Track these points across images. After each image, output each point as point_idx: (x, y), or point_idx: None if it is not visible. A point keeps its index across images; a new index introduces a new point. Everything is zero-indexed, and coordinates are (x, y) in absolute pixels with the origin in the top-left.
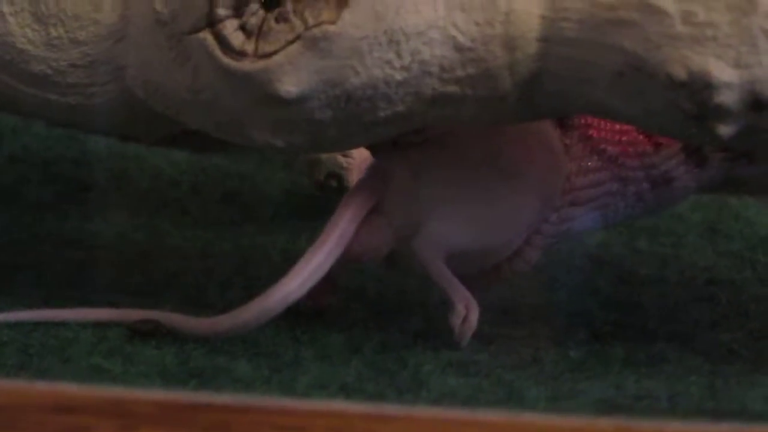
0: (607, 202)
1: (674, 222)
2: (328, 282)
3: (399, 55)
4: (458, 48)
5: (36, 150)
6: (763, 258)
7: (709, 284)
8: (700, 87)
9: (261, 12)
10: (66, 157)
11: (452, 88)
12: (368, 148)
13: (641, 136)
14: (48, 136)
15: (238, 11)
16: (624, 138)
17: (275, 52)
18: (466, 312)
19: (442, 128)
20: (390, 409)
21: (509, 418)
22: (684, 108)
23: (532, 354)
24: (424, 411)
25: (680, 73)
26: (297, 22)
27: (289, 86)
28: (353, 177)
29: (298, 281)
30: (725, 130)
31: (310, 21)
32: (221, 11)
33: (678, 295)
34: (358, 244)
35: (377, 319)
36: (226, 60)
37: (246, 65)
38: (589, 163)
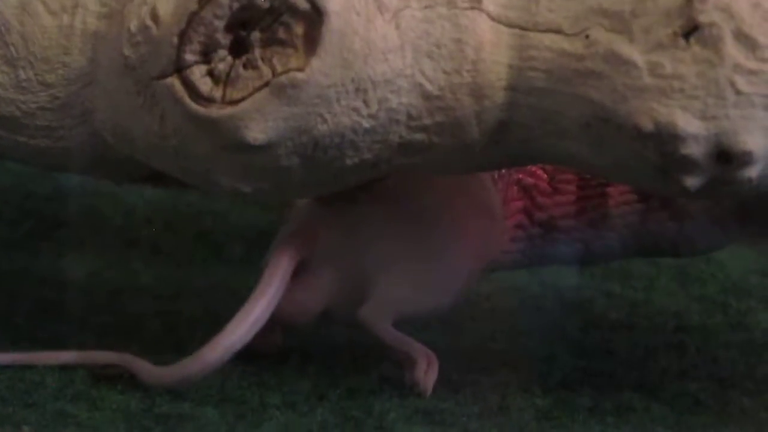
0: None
1: (647, 266)
2: (270, 327)
3: (366, 103)
4: (426, 96)
5: (9, 186)
6: (734, 303)
7: (679, 330)
8: (666, 139)
9: (229, 58)
10: (39, 194)
11: (420, 136)
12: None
13: (546, 177)
14: (21, 173)
15: (206, 57)
16: (534, 177)
17: (243, 99)
18: (427, 364)
19: (377, 186)
20: None
21: None
22: (651, 160)
23: (498, 402)
24: None
25: (647, 125)
26: (265, 69)
27: (257, 133)
28: None
29: (239, 333)
30: (692, 182)
31: (279, 68)
32: (189, 57)
33: (647, 342)
34: (291, 306)
35: (344, 366)
36: (194, 106)
37: (213, 111)
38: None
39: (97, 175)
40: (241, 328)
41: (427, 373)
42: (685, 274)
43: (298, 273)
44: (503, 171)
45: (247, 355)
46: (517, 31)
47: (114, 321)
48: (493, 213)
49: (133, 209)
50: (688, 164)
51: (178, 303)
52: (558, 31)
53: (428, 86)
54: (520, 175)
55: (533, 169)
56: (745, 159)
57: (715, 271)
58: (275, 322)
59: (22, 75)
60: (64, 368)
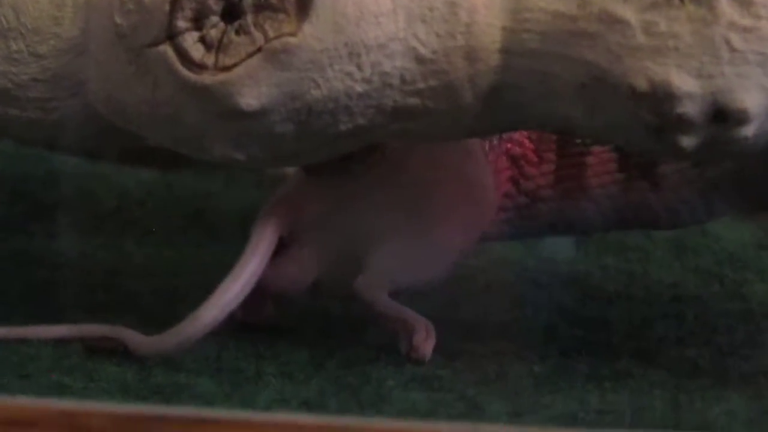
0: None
1: (642, 238)
2: (260, 299)
3: (360, 68)
4: (419, 60)
5: (2, 168)
6: (731, 273)
7: (676, 300)
8: (661, 98)
9: (221, 24)
10: (33, 176)
11: (413, 101)
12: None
13: (533, 145)
14: (15, 155)
15: (198, 24)
16: (522, 146)
17: (235, 65)
18: (425, 332)
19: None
20: (351, 421)
21: (471, 430)
22: (646, 120)
23: (495, 370)
24: (384, 423)
25: (642, 84)
26: (257, 35)
27: (250, 99)
28: None
29: (225, 300)
30: (687, 142)
31: (271, 33)
32: (181, 23)
33: (644, 312)
34: (279, 278)
35: (341, 336)
36: (186, 73)
37: (206, 78)
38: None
39: (88, 150)
40: (227, 295)
41: (425, 340)
42: (681, 246)
43: (287, 244)
44: (494, 141)
45: (241, 328)
46: None
47: (108, 299)
48: (485, 184)
49: (127, 191)
50: (683, 123)
51: (172, 281)
52: None
53: (421, 50)
54: (509, 145)
55: (520, 138)
56: (741, 117)
57: (711, 243)
58: (265, 294)
59: (14, 46)
60: (58, 342)
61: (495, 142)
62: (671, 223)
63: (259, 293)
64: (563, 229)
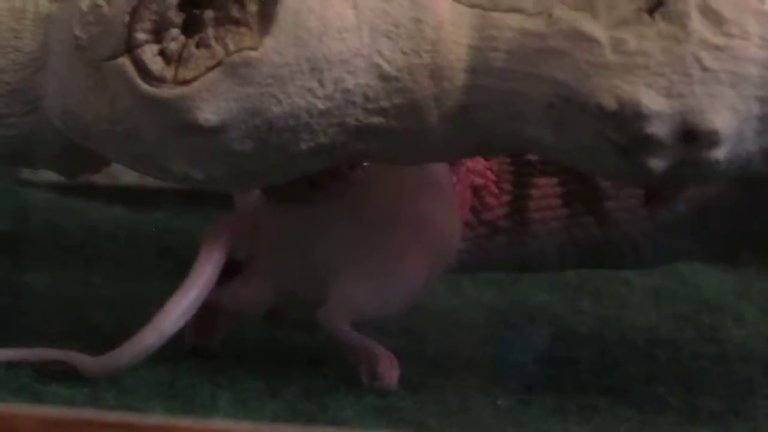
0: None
1: (621, 285)
2: (211, 323)
3: (321, 84)
4: (383, 77)
5: None
6: (708, 319)
7: (650, 343)
8: (630, 117)
9: (181, 37)
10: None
11: (377, 120)
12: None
13: (494, 176)
14: None
15: (158, 36)
16: (484, 177)
17: (195, 79)
18: (389, 363)
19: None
20: (277, 428)
21: None
22: (614, 140)
23: (459, 403)
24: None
25: (609, 103)
26: (218, 49)
27: (208, 114)
28: None
29: (170, 319)
30: (656, 163)
31: (232, 47)
32: (140, 36)
33: (616, 353)
34: (235, 301)
35: (299, 366)
36: (144, 86)
37: (164, 92)
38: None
39: (49, 167)
40: (173, 314)
41: (390, 369)
42: (659, 293)
43: (243, 266)
44: (459, 171)
45: (193, 352)
46: (478, 11)
47: (69, 328)
48: (450, 215)
49: (96, 226)
50: (652, 144)
51: (138, 313)
52: (520, 11)
53: (386, 67)
54: (472, 176)
55: (483, 169)
56: (711, 138)
57: (690, 291)
58: (216, 317)
59: None
60: (9, 365)
61: (460, 172)
62: (618, 263)
63: (209, 316)
64: (519, 262)
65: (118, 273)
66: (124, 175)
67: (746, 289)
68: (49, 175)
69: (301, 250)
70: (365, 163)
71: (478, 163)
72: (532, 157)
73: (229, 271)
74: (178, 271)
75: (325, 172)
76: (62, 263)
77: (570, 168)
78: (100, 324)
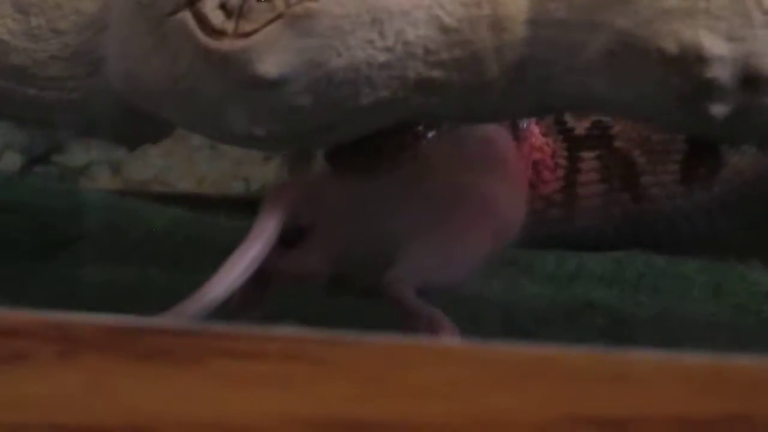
0: None
1: (679, 280)
2: (259, 291)
3: (382, 35)
4: (444, 29)
5: (28, 201)
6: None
7: (710, 327)
8: (692, 61)
9: None
10: (58, 209)
11: (437, 73)
12: (330, 158)
13: (550, 150)
14: (42, 188)
15: None
16: (541, 152)
17: (255, 31)
18: (452, 333)
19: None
20: (345, 335)
21: (472, 347)
22: (676, 86)
23: None
24: (379, 337)
25: (671, 47)
26: (279, 1)
27: (269, 67)
28: None
29: (222, 286)
30: (718, 109)
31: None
32: None
33: (678, 335)
34: (297, 270)
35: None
36: (205, 39)
37: (225, 45)
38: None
39: (109, 133)
40: (225, 281)
41: (452, 338)
42: (718, 287)
43: (305, 232)
44: (524, 148)
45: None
46: None
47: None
48: (517, 191)
49: (153, 226)
50: (714, 89)
51: None
52: None
53: (446, 18)
54: (533, 151)
55: (541, 144)
56: None
57: (749, 287)
58: (265, 288)
59: (33, 22)
60: None
61: (524, 148)
62: (655, 242)
63: (259, 284)
64: (567, 238)
65: (176, 269)
66: (180, 182)
67: None
68: (107, 181)
69: (366, 219)
70: (430, 135)
71: (536, 138)
72: (581, 131)
73: (292, 238)
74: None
75: (391, 143)
76: (119, 260)
77: (608, 141)
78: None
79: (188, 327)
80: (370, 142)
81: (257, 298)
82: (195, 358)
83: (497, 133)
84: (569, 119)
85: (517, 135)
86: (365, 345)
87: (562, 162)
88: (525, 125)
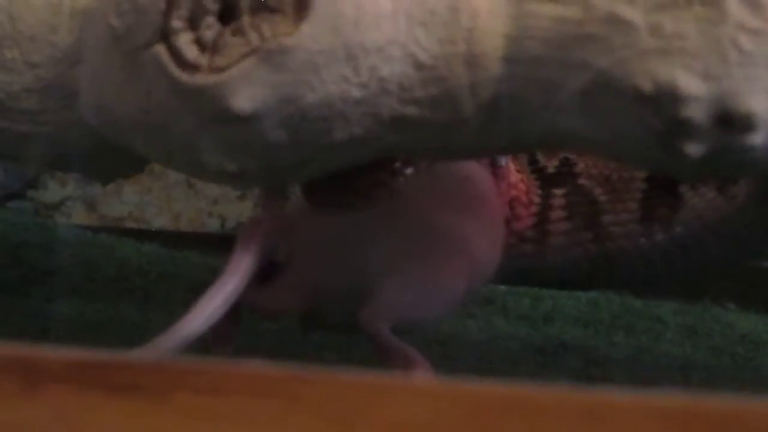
0: None
1: (653, 322)
2: (231, 329)
3: (357, 71)
4: (418, 66)
5: (2, 234)
6: (743, 351)
7: (685, 368)
8: (667, 100)
9: (217, 25)
10: (32, 243)
11: (411, 110)
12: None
13: (524, 187)
14: (15, 222)
15: (193, 24)
16: (516, 189)
17: (229, 66)
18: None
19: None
20: (315, 371)
21: (442, 385)
22: (651, 125)
23: None
24: (349, 374)
25: (647, 86)
26: (253, 36)
27: (243, 102)
28: None
29: (196, 322)
30: (694, 149)
31: (267, 34)
32: (176, 23)
33: (652, 376)
34: (272, 304)
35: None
36: (179, 73)
37: (199, 79)
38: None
39: (81, 167)
40: (201, 317)
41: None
42: (692, 329)
43: (281, 267)
44: (503, 186)
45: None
46: (513, 1)
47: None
48: (494, 228)
49: (127, 260)
50: (689, 128)
51: None
52: (556, 0)
53: (421, 55)
54: (511, 189)
55: (516, 180)
56: (748, 121)
57: (723, 328)
58: (236, 323)
59: (8, 55)
60: None
61: (502, 186)
62: (610, 281)
63: (232, 319)
64: (535, 275)
65: (149, 305)
66: (156, 219)
67: None
68: (82, 217)
69: (341, 255)
70: (407, 170)
71: (513, 175)
72: (551, 169)
73: (267, 273)
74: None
75: (367, 179)
76: (93, 295)
77: (573, 179)
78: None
79: (156, 362)
80: (347, 178)
81: (230, 333)
82: (162, 393)
83: (476, 170)
84: (540, 157)
85: (496, 173)
86: (335, 382)
87: (536, 199)
88: (503, 162)
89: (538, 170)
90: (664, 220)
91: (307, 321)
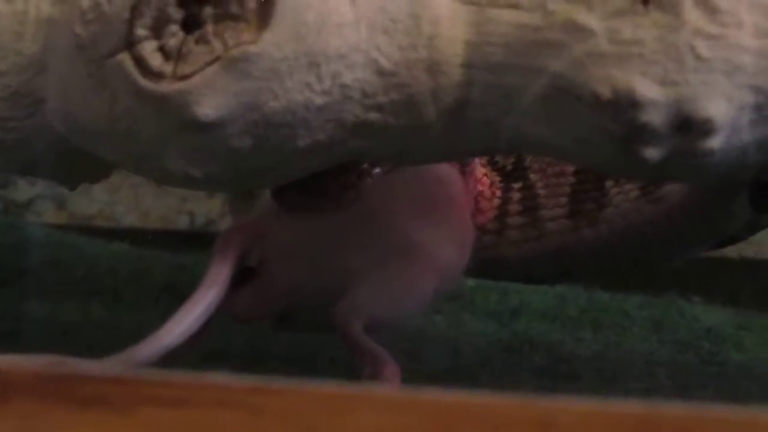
0: None
1: (619, 316)
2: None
3: (319, 79)
4: (380, 72)
5: None
6: (707, 345)
7: (650, 364)
8: (625, 105)
9: (181, 34)
10: (2, 243)
11: (374, 116)
12: (276, 197)
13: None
14: None
15: (157, 33)
16: (481, 183)
17: (193, 74)
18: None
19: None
20: (279, 382)
21: (405, 395)
22: (610, 130)
23: None
24: (313, 385)
25: (605, 92)
26: (217, 44)
27: (207, 109)
28: None
29: (175, 333)
30: (652, 153)
31: (230, 42)
32: (140, 32)
33: (616, 371)
34: (247, 309)
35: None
36: (143, 81)
37: (163, 87)
38: None
39: (49, 175)
40: (179, 328)
41: (393, 375)
42: (657, 324)
43: (256, 271)
44: (470, 183)
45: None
46: (474, 7)
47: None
48: (463, 227)
49: (97, 260)
50: (647, 133)
51: (136, 339)
52: (516, 6)
53: (383, 62)
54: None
55: (480, 174)
56: (706, 126)
57: (689, 322)
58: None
59: None
60: None
61: (470, 183)
62: (544, 277)
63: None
64: (494, 268)
65: (118, 306)
66: (125, 217)
67: (746, 321)
68: (52, 215)
69: (316, 258)
70: (375, 171)
71: (478, 169)
72: (509, 166)
73: (241, 278)
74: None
75: (335, 182)
76: (62, 295)
77: (525, 174)
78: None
79: (120, 375)
80: (315, 181)
81: (200, 336)
82: (128, 406)
83: (446, 171)
84: (499, 156)
85: (464, 170)
86: (299, 392)
87: (497, 192)
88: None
89: (497, 167)
90: (591, 215)
91: (279, 322)
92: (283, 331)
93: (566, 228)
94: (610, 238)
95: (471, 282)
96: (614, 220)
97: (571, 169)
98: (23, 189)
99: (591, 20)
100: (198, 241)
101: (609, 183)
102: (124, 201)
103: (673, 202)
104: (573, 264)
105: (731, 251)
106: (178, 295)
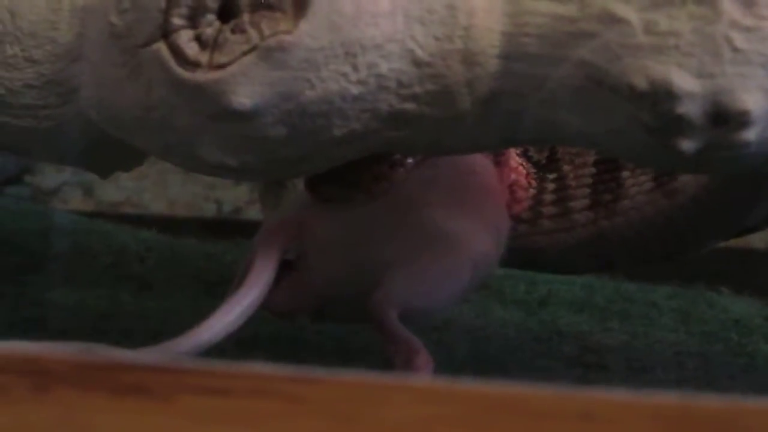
0: None
1: (648, 307)
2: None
3: (355, 68)
4: (416, 63)
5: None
6: (736, 336)
7: (678, 354)
8: (661, 97)
9: (217, 23)
10: (29, 230)
11: (409, 106)
12: (309, 187)
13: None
14: (14, 209)
15: (193, 22)
16: (516, 172)
17: (230, 63)
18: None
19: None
20: (317, 371)
21: (442, 385)
22: (645, 121)
23: None
24: (350, 375)
25: (641, 83)
26: (253, 33)
27: (243, 98)
28: None
29: (215, 329)
30: (688, 145)
31: (267, 32)
32: (176, 21)
33: (645, 361)
34: (285, 302)
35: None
36: (179, 70)
37: (199, 76)
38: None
39: (82, 161)
40: (233, 313)
41: (425, 365)
42: (686, 314)
43: (293, 265)
44: (505, 173)
45: None
46: None
47: (98, 338)
48: (499, 213)
49: (125, 248)
50: (683, 125)
51: (165, 327)
52: None
53: (419, 52)
54: (509, 171)
55: (516, 165)
56: (742, 119)
57: (717, 313)
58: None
59: (9, 51)
60: None
61: (504, 173)
62: (544, 266)
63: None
64: (527, 257)
65: (147, 293)
66: (152, 204)
67: None
68: (79, 203)
69: (350, 249)
70: (408, 162)
71: (513, 159)
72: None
73: (279, 272)
74: (207, 293)
75: (368, 172)
76: (90, 282)
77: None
78: (128, 334)
79: (160, 364)
80: (348, 171)
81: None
82: (167, 394)
83: (480, 161)
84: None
85: (498, 160)
86: (336, 382)
87: (533, 182)
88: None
89: (530, 158)
90: (608, 207)
91: (317, 316)
92: (319, 321)
93: (589, 220)
94: (625, 230)
95: (499, 271)
96: (629, 213)
97: (591, 159)
98: (51, 176)
99: (627, 11)
100: (225, 229)
101: (625, 173)
102: (152, 188)
103: (687, 195)
104: (597, 254)
105: (759, 243)
106: (206, 282)
